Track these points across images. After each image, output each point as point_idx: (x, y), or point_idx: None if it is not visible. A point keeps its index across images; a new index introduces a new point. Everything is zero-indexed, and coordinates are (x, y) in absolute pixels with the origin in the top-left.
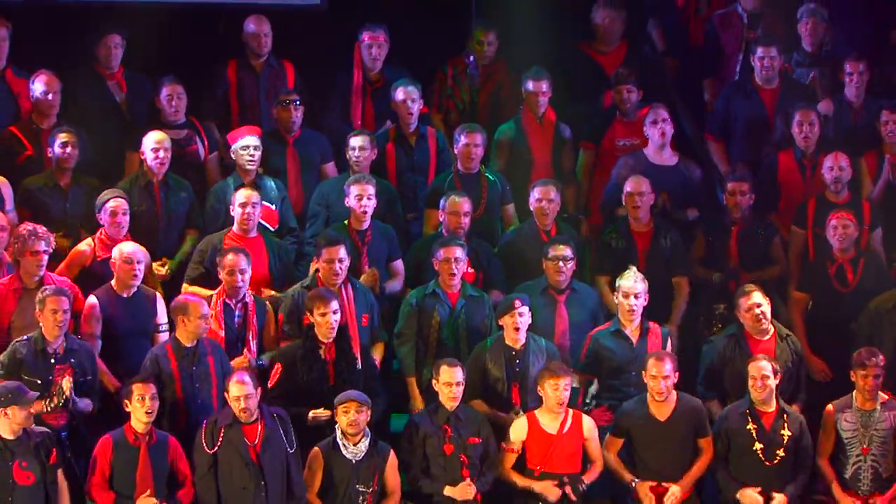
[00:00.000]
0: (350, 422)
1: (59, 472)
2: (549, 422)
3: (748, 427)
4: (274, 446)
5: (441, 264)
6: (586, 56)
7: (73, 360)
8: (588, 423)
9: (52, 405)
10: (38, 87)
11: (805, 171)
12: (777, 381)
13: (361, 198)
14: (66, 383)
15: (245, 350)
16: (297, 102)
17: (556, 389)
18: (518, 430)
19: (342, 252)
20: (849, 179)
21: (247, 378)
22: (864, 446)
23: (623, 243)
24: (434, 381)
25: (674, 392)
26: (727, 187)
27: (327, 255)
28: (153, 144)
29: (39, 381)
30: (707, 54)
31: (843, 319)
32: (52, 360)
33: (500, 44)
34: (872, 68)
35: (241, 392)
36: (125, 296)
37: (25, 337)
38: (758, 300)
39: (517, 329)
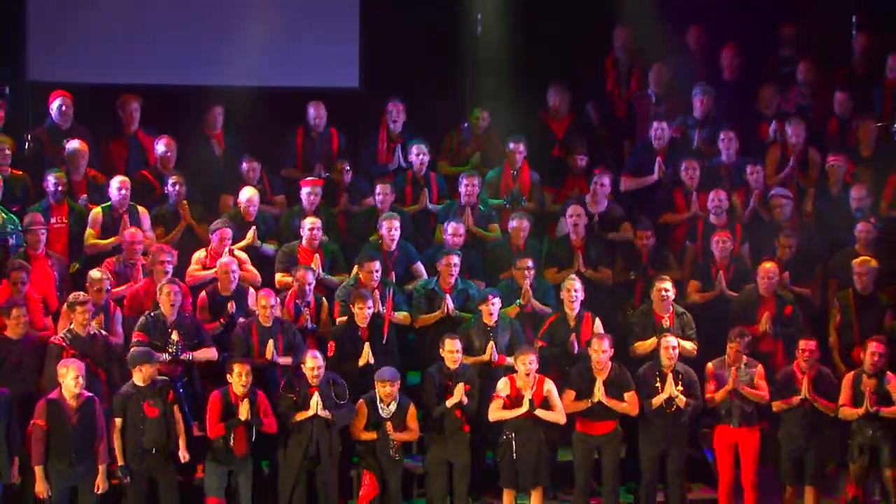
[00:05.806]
0: (386, 393)
1: (176, 408)
2: (522, 385)
3: (656, 385)
4: (326, 399)
5: (443, 268)
6: (544, 123)
7: (180, 329)
8: (548, 384)
9: (168, 356)
10: (160, 147)
11: (689, 201)
12: (678, 351)
13: (390, 230)
14: (175, 336)
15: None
16: (347, 168)
17: (523, 364)
18: (503, 385)
19: (377, 265)
20: (726, 208)
21: (318, 354)
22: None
23: (566, 252)
24: (441, 350)
25: (609, 363)
26: (636, 233)
27: (367, 267)
28: (246, 198)
29: (159, 343)
30: (627, 123)
31: (719, 303)
32: (168, 328)
33: (490, 119)
34: (739, 133)
35: (314, 364)
36: (226, 294)
37: (153, 312)
38: (666, 286)
39: (490, 314)
